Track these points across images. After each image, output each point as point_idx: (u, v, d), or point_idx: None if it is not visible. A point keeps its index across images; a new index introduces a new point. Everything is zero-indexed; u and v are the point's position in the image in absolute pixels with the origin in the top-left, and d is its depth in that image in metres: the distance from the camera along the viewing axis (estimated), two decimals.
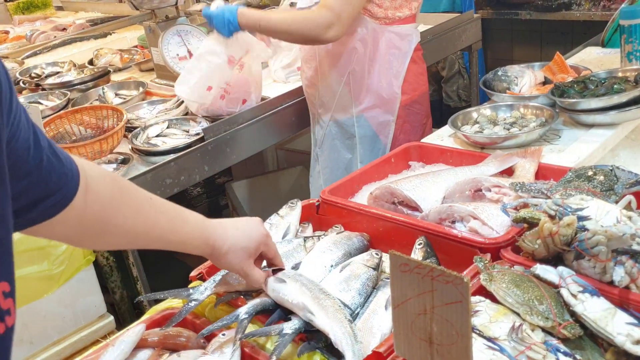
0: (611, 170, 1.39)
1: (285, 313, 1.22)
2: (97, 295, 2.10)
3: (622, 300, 1.07)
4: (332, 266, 1.34)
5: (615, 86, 1.78)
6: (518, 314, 1.08)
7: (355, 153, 2.38)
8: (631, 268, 1.07)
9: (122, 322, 2.24)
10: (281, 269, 1.28)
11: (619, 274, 1.07)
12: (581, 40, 2.85)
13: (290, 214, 1.54)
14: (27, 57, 3.69)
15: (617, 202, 1.28)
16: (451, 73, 4.24)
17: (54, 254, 1.93)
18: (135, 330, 1.22)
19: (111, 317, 2.13)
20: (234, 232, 1.19)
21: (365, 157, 2.33)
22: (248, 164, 3.56)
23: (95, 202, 0.98)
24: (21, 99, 2.80)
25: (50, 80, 3.02)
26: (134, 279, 2.19)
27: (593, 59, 2.45)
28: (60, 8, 5.33)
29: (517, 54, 4.59)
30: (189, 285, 1.36)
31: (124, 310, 2.30)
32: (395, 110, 2.29)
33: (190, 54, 2.75)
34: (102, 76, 2.99)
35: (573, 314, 1.07)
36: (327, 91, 2.34)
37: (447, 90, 4.33)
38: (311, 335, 1.17)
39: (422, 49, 2.39)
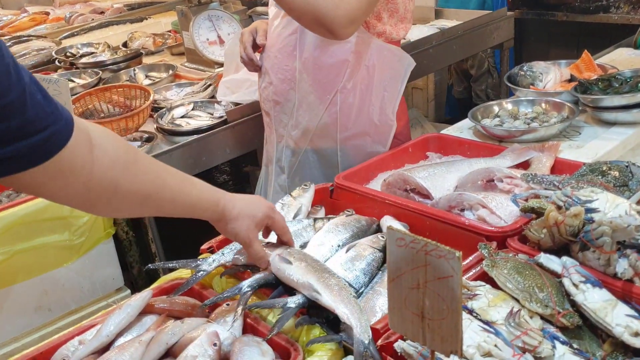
0: (627, 166, 1.38)
1: (287, 289, 1.24)
2: (116, 268, 2.15)
3: (624, 293, 1.07)
4: (339, 246, 1.36)
5: (639, 84, 1.75)
6: (517, 301, 1.08)
7: None
8: (635, 261, 1.06)
9: None
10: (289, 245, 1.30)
11: (622, 266, 1.06)
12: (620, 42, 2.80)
13: (302, 196, 1.56)
14: (65, 37, 3.78)
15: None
16: (480, 72, 4.20)
17: (76, 224, 1.98)
18: (142, 295, 1.25)
19: (128, 291, 2.18)
20: (242, 200, 1.22)
21: None
22: None
23: (102, 158, 0.97)
24: (55, 75, 2.87)
25: (84, 60, 3.10)
26: (152, 254, 2.24)
27: (624, 59, 2.41)
28: None
29: (553, 54, 4.52)
30: (199, 257, 1.39)
31: (141, 285, 2.35)
32: (388, 140, 1.94)
33: (221, 39, 2.79)
34: (134, 58, 3.05)
35: (574, 303, 1.07)
36: (307, 111, 1.93)
37: (475, 89, 4.29)
38: (312, 311, 1.19)
39: None
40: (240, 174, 4.31)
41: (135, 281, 2.34)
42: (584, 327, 1.05)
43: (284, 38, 1.89)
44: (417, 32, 2.98)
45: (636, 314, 1.01)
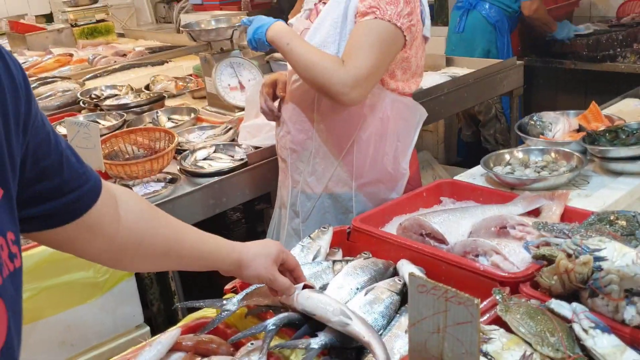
0: (634, 216, 1.44)
1: (311, 329, 1.30)
2: (136, 305, 2.21)
3: (632, 338, 1.12)
4: (357, 289, 1.42)
5: None
6: (530, 344, 1.13)
7: None
8: None
9: (157, 334, 2.34)
10: (309, 286, 1.36)
11: (630, 313, 1.12)
12: (626, 92, 2.89)
13: (321, 237, 1.63)
14: (88, 79, 3.92)
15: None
16: (488, 117, 4.31)
17: None
18: (171, 333, 1.32)
19: (147, 328, 2.23)
20: (255, 245, 1.31)
21: None
22: None
23: (127, 215, 1.06)
24: (80, 117, 2.99)
25: (108, 102, 3.22)
26: (171, 292, 2.31)
27: (630, 110, 2.49)
28: (121, 35, 5.64)
29: (560, 102, 4.63)
30: (223, 297, 1.46)
31: (160, 323, 2.41)
32: (401, 188, 2.02)
33: (242, 85, 2.91)
34: (157, 101, 3.17)
35: (584, 348, 1.12)
36: (324, 159, 2.02)
37: (484, 134, 4.40)
38: (334, 352, 1.24)
39: None
40: (253, 212, 4.39)
41: (154, 318, 2.40)
42: None
43: (303, 92, 2.01)
44: (430, 80, 3.09)
45: None
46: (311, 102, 1.99)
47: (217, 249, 1.24)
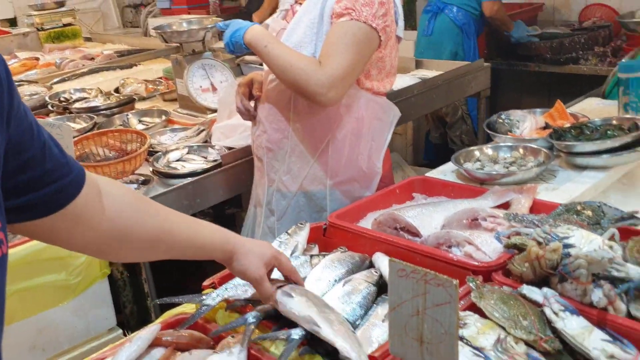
0: (599, 206, 1.50)
1: (290, 321, 1.31)
2: (109, 308, 2.19)
3: (599, 320, 1.17)
4: (335, 281, 1.44)
5: (609, 132, 1.90)
6: (504, 328, 1.17)
7: None
8: (609, 291, 1.17)
9: None
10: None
11: (597, 296, 1.17)
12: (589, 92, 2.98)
13: (298, 233, 1.65)
14: (56, 83, 3.86)
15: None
16: (455, 119, 4.41)
17: (73, 264, 2.03)
18: (151, 329, 1.32)
19: (120, 331, 2.21)
20: (250, 241, 1.30)
21: None
22: None
23: (112, 205, 1.05)
24: (49, 120, 2.95)
25: (77, 105, 3.19)
26: (145, 294, 2.29)
27: (593, 109, 2.58)
28: (88, 39, 5.57)
29: (525, 103, 4.74)
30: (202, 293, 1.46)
31: (132, 325, 2.38)
32: (375, 186, 2.07)
33: (214, 87, 2.91)
34: (128, 103, 3.15)
35: (554, 330, 1.16)
36: (299, 158, 2.05)
37: (451, 135, 4.49)
38: (313, 342, 1.26)
39: None
40: (224, 216, 4.38)
41: (127, 321, 2.37)
42: (564, 352, 1.14)
43: (279, 91, 2.03)
44: (400, 82, 3.13)
45: (610, 339, 1.11)
46: (287, 101, 2.02)
47: (210, 239, 1.22)
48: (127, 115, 2.99)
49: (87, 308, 2.12)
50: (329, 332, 1.21)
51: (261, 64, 2.68)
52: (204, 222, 1.25)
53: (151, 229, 1.12)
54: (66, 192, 0.95)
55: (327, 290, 1.41)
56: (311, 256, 1.56)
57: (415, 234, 1.62)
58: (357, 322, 1.33)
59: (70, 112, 3.13)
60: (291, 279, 1.36)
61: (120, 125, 2.92)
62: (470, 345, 1.13)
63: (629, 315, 1.17)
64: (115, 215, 1.06)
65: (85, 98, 3.34)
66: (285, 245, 1.62)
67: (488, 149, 2.12)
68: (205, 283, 1.52)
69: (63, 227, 0.97)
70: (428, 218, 1.66)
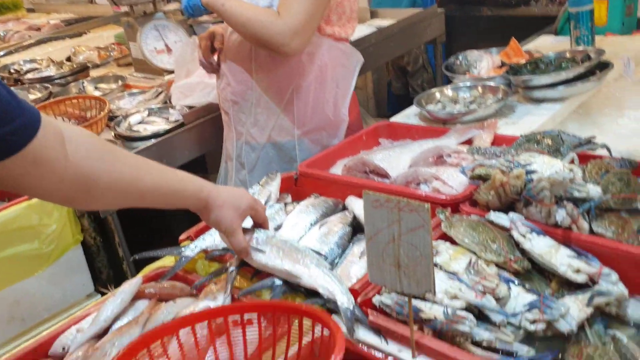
0: (557, 135, 1.56)
1: None
2: (85, 274, 2.19)
3: (564, 238, 1.24)
4: (311, 224, 1.47)
5: (563, 64, 1.96)
6: (474, 253, 1.23)
7: None
8: (572, 210, 1.23)
9: None
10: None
11: (561, 215, 1.23)
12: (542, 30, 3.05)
13: (270, 184, 1.67)
14: (2, 56, 3.74)
15: None
16: (416, 67, 4.44)
17: (45, 232, 2.02)
18: (133, 281, 1.33)
19: (98, 296, 2.22)
20: (226, 191, 1.27)
21: None
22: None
23: (76, 150, 1.00)
24: None
25: (29, 76, 3.10)
26: (119, 258, 2.30)
27: (547, 45, 2.65)
28: (31, 10, 5.37)
29: (481, 47, 4.80)
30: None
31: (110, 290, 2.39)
32: (342, 133, 2.09)
33: (168, 48, 2.87)
34: (82, 71, 3.08)
35: (523, 252, 1.22)
36: (265, 109, 2.06)
37: (412, 84, 4.53)
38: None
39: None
40: None
41: (104, 286, 2.38)
42: (533, 271, 1.21)
43: (239, 43, 2.02)
44: (356, 32, 3.11)
45: (576, 255, 1.17)
46: (248, 52, 2.01)
47: (182, 187, 1.19)
48: (83, 82, 2.93)
49: (63, 275, 2.11)
50: (308, 280, 1.23)
51: (214, 23, 2.65)
52: (178, 171, 1.22)
53: (120, 175, 1.07)
54: (19, 135, 0.90)
55: (304, 234, 1.45)
56: (285, 204, 1.58)
57: (385, 175, 1.66)
58: (336, 261, 1.38)
59: (23, 83, 3.05)
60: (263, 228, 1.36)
61: (77, 93, 2.85)
62: (444, 270, 1.18)
63: (592, 232, 1.24)
64: (81, 160, 1.01)
65: (36, 69, 3.25)
66: (258, 195, 1.63)
67: (448, 90, 2.17)
68: (182, 237, 1.53)
69: (24, 172, 0.93)
70: (395, 160, 1.70)
